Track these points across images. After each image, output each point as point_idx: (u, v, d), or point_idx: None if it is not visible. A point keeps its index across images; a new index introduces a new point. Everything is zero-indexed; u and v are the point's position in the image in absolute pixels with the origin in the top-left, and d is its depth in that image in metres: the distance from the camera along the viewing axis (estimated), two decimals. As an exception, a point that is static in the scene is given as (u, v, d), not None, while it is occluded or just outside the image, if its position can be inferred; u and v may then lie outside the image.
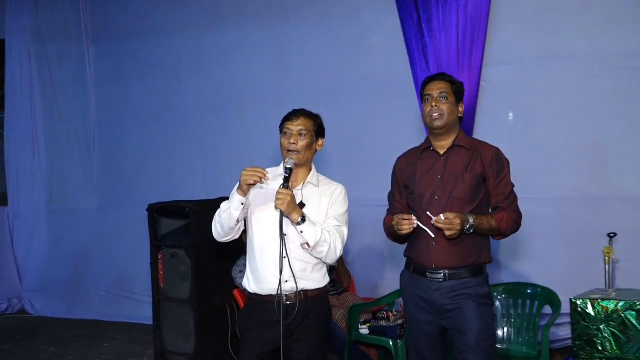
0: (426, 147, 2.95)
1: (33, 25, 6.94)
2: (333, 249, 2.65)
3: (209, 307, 4.56)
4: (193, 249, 4.54)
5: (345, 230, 2.75)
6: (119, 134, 6.64)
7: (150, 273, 4.79)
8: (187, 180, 6.06)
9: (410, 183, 2.94)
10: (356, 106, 5.13)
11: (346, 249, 5.06)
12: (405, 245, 2.97)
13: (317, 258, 2.68)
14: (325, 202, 2.74)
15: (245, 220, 2.77)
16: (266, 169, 2.76)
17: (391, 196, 3.07)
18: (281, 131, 2.75)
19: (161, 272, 4.73)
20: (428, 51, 4.51)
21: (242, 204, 2.62)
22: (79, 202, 6.79)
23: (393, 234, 2.89)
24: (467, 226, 2.69)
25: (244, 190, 2.59)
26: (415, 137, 4.11)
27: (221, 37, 5.87)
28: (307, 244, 2.61)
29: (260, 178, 2.54)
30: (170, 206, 4.79)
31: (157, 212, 4.83)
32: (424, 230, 2.74)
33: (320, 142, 2.80)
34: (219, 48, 5.90)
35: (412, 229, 2.73)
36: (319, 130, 2.78)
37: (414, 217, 2.73)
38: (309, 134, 2.71)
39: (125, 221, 6.37)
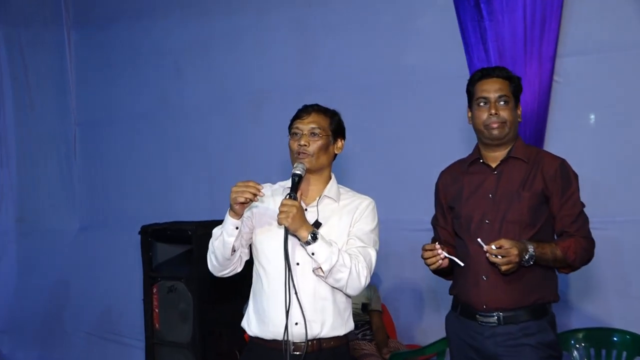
0: (475, 159, 2.98)
1: (2, 5, 6.96)
2: (355, 276, 2.62)
3: (214, 354, 4.57)
4: (196, 281, 4.55)
5: (372, 253, 2.72)
6: (106, 138, 6.57)
7: (143, 311, 4.81)
8: (188, 197, 6.00)
9: (455, 203, 2.97)
10: (396, 105, 5.10)
11: (383, 282, 5.07)
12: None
13: (336, 289, 2.67)
14: (347, 220, 2.75)
15: (250, 247, 2.81)
16: (277, 183, 2.86)
17: (435, 221, 3.11)
18: (290, 132, 2.78)
19: (156, 310, 4.75)
20: (488, 37, 4.49)
21: (237, 228, 2.65)
22: (56, 222, 6.76)
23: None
24: (526, 257, 2.67)
25: (237, 211, 2.61)
26: (470, 146, 4.17)
27: (232, 20, 5.84)
28: (321, 268, 2.60)
29: (254, 194, 2.55)
30: (168, 228, 4.81)
31: (152, 235, 4.84)
32: (455, 260, 2.77)
33: (339, 144, 2.83)
34: (228, 33, 5.86)
35: (441, 262, 2.75)
36: (337, 129, 2.81)
37: (437, 246, 2.75)
38: (323, 133, 2.74)
39: (112, 246, 6.31)
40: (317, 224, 2.69)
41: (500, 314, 2.79)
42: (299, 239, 2.60)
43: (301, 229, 2.57)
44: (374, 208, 2.80)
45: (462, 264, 2.74)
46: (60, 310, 6.68)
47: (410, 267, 4.81)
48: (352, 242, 2.71)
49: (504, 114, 2.86)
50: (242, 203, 2.57)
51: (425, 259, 2.78)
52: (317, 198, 2.76)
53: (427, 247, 2.77)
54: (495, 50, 4.49)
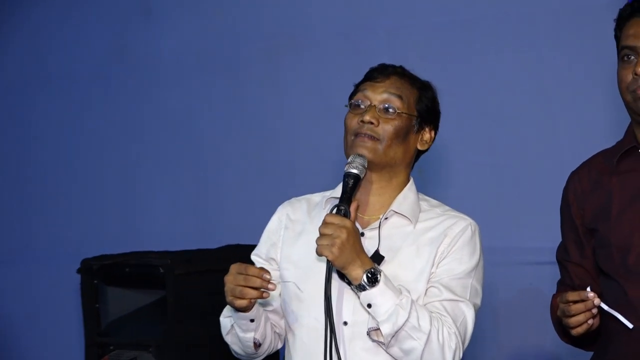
0: (630, 148, 2.82)
1: None
2: (436, 348, 2.44)
3: None
4: (172, 351, 4.53)
5: (468, 312, 2.54)
6: (27, 116, 6.20)
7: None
8: (161, 212, 5.74)
9: (599, 223, 2.80)
10: (506, 59, 4.83)
11: (470, 349, 5.07)
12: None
13: None
14: (429, 254, 2.58)
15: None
16: (320, 193, 2.77)
17: (563, 253, 2.95)
18: (350, 103, 2.67)
19: (107, 401, 4.57)
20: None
21: (252, 320, 2.60)
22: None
23: (565, 331, 2.67)
24: None
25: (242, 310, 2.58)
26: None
27: None
28: (380, 330, 2.43)
29: (260, 290, 2.44)
30: (126, 263, 4.73)
31: (100, 274, 4.74)
32: (618, 318, 2.59)
33: (426, 135, 2.70)
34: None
35: (591, 322, 2.53)
36: (427, 111, 2.68)
37: (589, 293, 2.52)
38: (404, 110, 2.62)
39: (32, 293, 6.00)
40: (377, 259, 2.54)
41: None
42: (348, 282, 2.47)
43: (353, 264, 2.44)
44: (475, 235, 2.64)
45: (630, 325, 2.58)
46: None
47: (519, 324, 4.80)
48: (435, 291, 2.56)
49: None
50: (243, 306, 2.51)
51: (569, 316, 2.56)
52: (381, 216, 2.64)
53: (571, 297, 2.55)
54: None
